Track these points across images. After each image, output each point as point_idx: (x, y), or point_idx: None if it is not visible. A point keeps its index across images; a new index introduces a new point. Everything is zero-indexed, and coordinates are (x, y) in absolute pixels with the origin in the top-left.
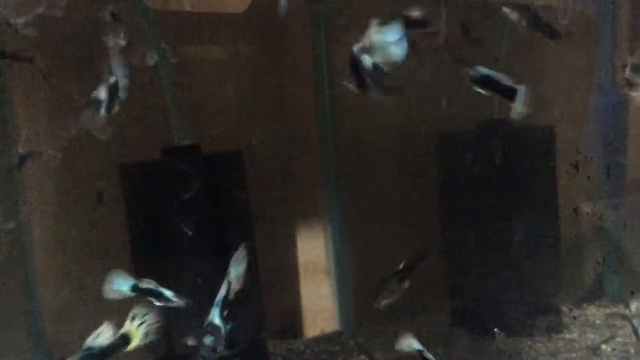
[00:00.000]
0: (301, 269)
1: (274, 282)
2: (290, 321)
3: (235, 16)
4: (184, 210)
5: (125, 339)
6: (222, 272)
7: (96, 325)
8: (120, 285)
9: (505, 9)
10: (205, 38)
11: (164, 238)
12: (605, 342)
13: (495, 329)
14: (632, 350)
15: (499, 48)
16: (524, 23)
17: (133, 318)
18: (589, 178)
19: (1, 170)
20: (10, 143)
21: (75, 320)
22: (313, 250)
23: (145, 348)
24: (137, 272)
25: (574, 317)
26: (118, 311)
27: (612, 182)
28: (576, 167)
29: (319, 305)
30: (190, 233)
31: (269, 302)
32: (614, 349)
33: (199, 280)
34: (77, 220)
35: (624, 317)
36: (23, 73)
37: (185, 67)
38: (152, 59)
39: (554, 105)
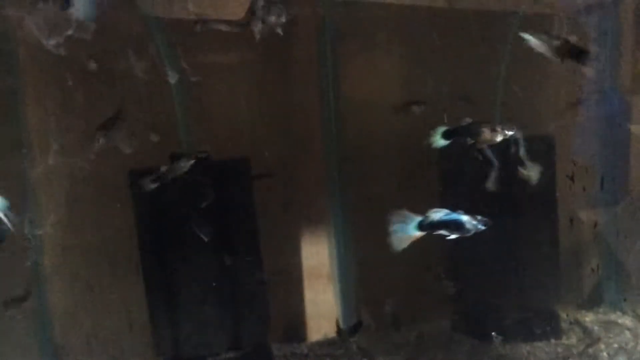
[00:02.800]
0: (305, 274)
1: (279, 287)
2: (294, 325)
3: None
4: (200, 217)
5: None
6: (229, 274)
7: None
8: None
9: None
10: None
11: (173, 242)
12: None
13: (493, 333)
14: (625, 357)
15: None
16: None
17: None
18: (584, 189)
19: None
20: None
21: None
22: (316, 255)
23: None
24: (145, 275)
25: (570, 323)
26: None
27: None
28: (572, 178)
29: (322, 309)
30: (206, 239)
31: (274, 306)
32: (609, 354)
33: (213, 284)
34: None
35: None
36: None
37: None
38: (173, 78)
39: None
